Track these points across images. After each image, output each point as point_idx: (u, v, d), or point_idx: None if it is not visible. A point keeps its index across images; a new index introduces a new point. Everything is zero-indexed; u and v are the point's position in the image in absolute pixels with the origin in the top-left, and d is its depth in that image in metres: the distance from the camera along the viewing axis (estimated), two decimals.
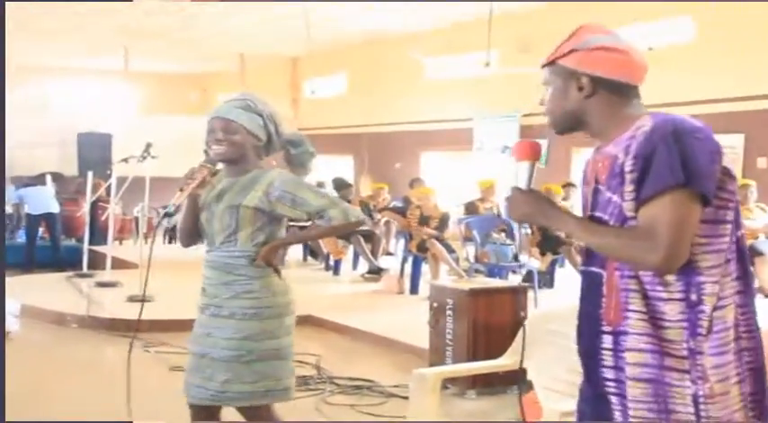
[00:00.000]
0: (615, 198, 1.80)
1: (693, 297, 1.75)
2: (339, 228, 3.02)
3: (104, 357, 6.51)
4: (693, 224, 1.72)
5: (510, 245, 8.72)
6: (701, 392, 1.74)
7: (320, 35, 14.74)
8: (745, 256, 1.83)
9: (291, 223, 3.91)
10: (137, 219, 11.05)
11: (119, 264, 9.97)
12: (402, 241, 10.36)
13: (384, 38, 15.19)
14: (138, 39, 15.92)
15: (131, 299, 7.90)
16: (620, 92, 1.88)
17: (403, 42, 14.73)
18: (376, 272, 9.83)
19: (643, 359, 1.78)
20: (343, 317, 7.29)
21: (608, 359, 1.85)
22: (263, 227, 2.97)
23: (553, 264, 9.07)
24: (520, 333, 3.96)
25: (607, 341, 1.85)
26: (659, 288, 1.77)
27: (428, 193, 9.32)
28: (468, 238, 9.14)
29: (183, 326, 7.03)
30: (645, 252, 1.70)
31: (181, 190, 2.92)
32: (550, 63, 1.95)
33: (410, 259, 9.15)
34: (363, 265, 10.28)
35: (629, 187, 1.76)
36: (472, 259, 8.72)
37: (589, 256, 1.91)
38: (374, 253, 10.17)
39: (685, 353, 1.75)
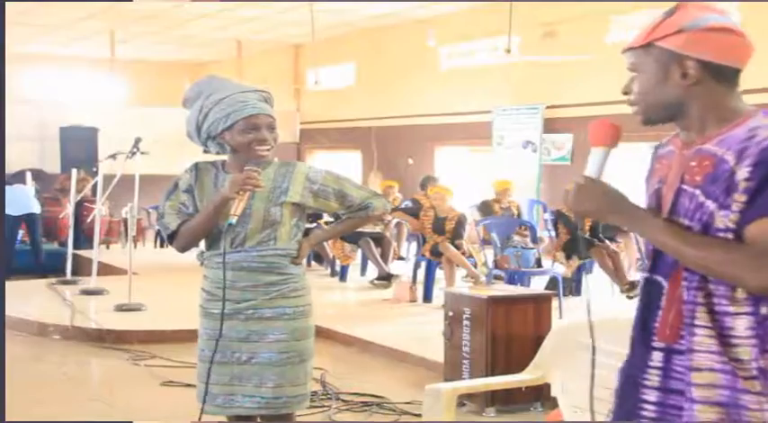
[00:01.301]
0: (709, 204, 1.73)
1: (764, 311, 1.73)
2: (377, 217, 3.27)
3: (90, 372, 6.55)
4: None
5: (532, 249, 8.72)
6: None
7: (325, 20, 14.77)
8: None
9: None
10: (125, 220, 11.10)
11: (105, 269, 10.02)
12: (414, 245, 10.37)
13: (395, 23, 15.21)
14: (125, 23, 15.99)
15: (119, 308, 7.94)
16: (727, 80, 1.79)
17: (416, 28, 14.75)
18: (386, 278, 9.83)
19: (716, 380, 1.74)
20: (350, 327, 7.31)
21: (653, 379, 1.83)
22: (299, 223, 3.10)
23: (580, 269, 9.05)
24: (543, 345, 3.97)
25: (656, 358, 1.83)
26: (725, 302, 1.74)
27: (444, 193, 9.32)
28: (486, 242, 9.14)
29: (176, 337, 7.14)
30: (753, 271, 1.66)
31: (240, 196, 2.91)
32: (645, 45, 1.82)
33: (423, 264, 9.16)
34: (372, 271, 10.29)
35: (740, 197, 1.68)
36: (491, 264, 8.72)
37: (656, 262, 1.86)
38: (384, 257, 10.17)
39: (755, 373, 1.73)
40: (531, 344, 4.66)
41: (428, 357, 6.10)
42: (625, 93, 1.87)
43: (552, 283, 8.34)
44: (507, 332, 5.04)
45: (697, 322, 1.76)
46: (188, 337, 7.25)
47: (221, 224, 2.99)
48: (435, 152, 15.10)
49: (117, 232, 13.95)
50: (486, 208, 10.60)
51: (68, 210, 10.87)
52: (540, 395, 4.87)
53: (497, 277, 8.67)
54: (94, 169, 11.83)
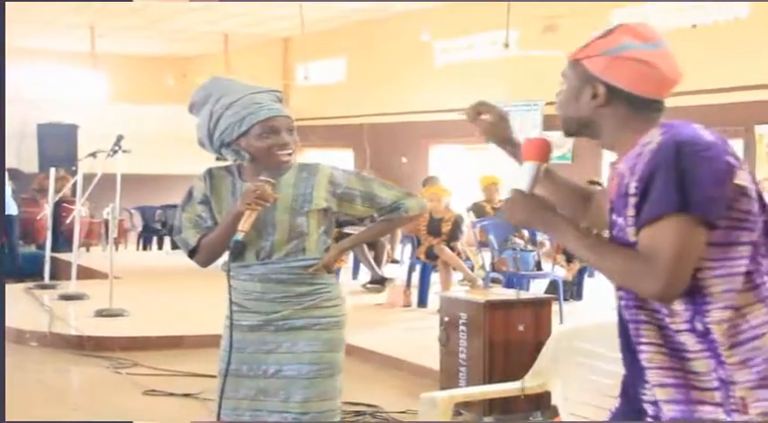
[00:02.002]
0: (620, 221, 1.87)
1: (699, 327, 1.81)
2: (412, 219, 3.18)
3: (69, 380, 6.53)
4: (696, 250, 1.77)
5: (531, 251, 8.73)
6: None
7: (315, 13, 14.77)
8: None
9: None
10: (106, 222, 11.06)
11: (85, 273, 10.00)
12: (409, 247, 10.37)
13: (388, 16, 15.21)
14: (106, 16, 15.96)
15: (100, 313, 7.93)
16: (637, 106, 1.92)
17: (409, 22, 14.75)
18: (379, 282, 9.84)
19: (671, 395, 1.84)
20: None
21: (648, 393, 1.91)
22: (327, 229, 3.05)
23: (581, 272, 9.07)
24: (543, 352, 3.97)
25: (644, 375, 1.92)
26: (668, 319, 1.84)
27: (440, 194, 9.32)
28: (483, 244, 9.15)
29: (160, 344, 7.14)
30: (643, 278, 1.77)
31: (250, 211, 2.83)
32: (574, 60, 1.98)
33: (418, 267, 9.17)
34: (365, 274, 10.29)
35: (630, 211, 1.83)
36: (488, 267, 8.73)
37: None
38: (377, 260, 10.18)
39: (716, 384, 1.80)
40: (531, 350, 4.67)
41: (423, 364, 6.10)
42: (558, 96, 2.04)
43: (552, 287, 8.35)
44: (505, 338, 5.04)
45: (643, 340, 1.86)
46: (172, 343, 7.29)
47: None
48: (430, 150, 15.10)
49: (97, 234, 13.93)
50: (478, 210, 10.62)
51: (46, 211, 10.84)
52: (540, 404, 4.86)
53: (495, 281, 8.69)
54: (74, 168, 11.80)
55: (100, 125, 13.83)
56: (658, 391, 1.86)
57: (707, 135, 1.82)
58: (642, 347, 1.87)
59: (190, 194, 3.07)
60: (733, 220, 1.80)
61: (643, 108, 1.92)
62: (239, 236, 2.84)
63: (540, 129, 12.65)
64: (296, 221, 2.96)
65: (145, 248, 14.36)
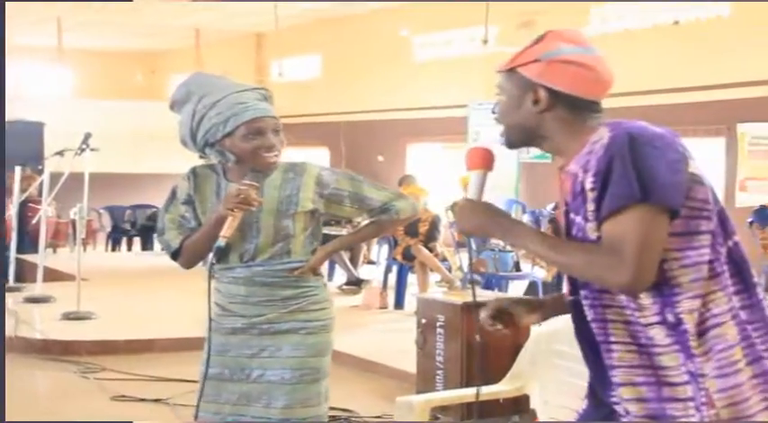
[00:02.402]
0: (579, 220, 1.90)
1: (670, 318, 1.84)
2: (403, 221, 3.17)
3: (35, 386, 6.48)
4: (660, 239, 1.81)
5: (510, 252, 8.77)
6: (706, 420, 1.82)
7: (290, 8, 14.74)
8: (742, 267, 1.90)
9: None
10: (74, 222, 10.98)
11: (52, 275, 9.92)
12: (385, 248, 10.38)
13: (365, 11, 15.21)
14: (74, 9, 15.85)
15: (67, 316, 7.88)
16: (578, 108, 1.97)
17: (387, 17, 14.77)
18: (355, 283, 9.85)
19: (641, 393, 1.87)
20: None
21: (616, 394, 1.94)
22: (314, 230, 3.03)
23: (561, 274, 9.11)
24: (521, 354, 3.99)
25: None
26: (636, 313, 1.87)
27: (417, 193, 9.34)
28: (461, 244, 9.17)
29: (128, 348, 7.10)
30: (610, 270, 1.80)
31: (233, 216, 2.81)
32: (509, 70, 2.03)
33: (395, 268, 9.18)
34: (341, 276, 10.29)
35: (590, 206, 1.85)
36: (466, 268, 8.75)
37: (574, 284, 1.99)
38: (353, 261, 10.18)
39: (686, 378, 1.84)
40: (509, 353, 4.68)
41: (399, 368, 6.11)
42: (494, 112, 2.09)
43: (532, 288, 8.39)
44: (484, 340, 5.05)
45: (612, 339, 1.90)
46: (142, 347, 7.25)
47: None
48: (408, 149, 15.12)
49: (65, 235, 13.81)
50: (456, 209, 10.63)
51: (12, 211, 10.76)
52: (519, 407, 4.88)
53: (473, 282, 8.71)
54: (40, 167, 11.68)
55: (67, 122, 13.73)
56: (628, 390, 1.88)
57: (656, 128, 1.88)
58: (612, 346, 1.89)
59: (173, 194, 3.04)
60: (691, 209, 1.84)
61: (584, 110, 1.97)
62: (221, 242, 2.82)
63: None
64: (281, 224, 2.94)
65: (114, 249, 14.27)
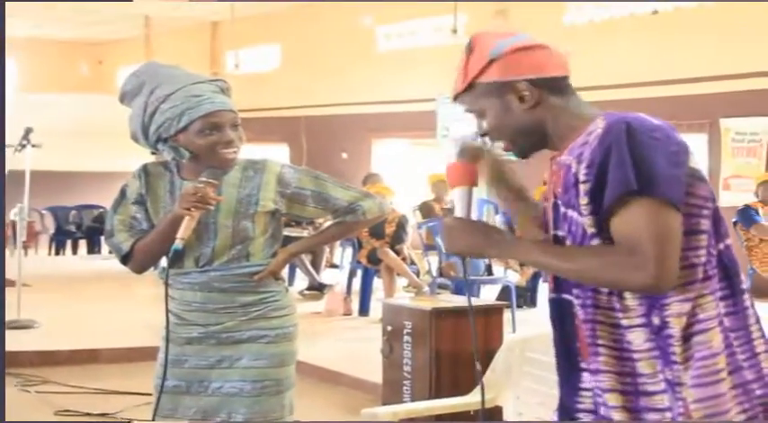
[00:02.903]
0: (571, 213, 1.90)
1: (656, 321, 1.84)
2: (370, 222, 3.15)
3: None
4: (677, 232, 1.79)
5: None
6: None
7: None
8: (731, 272, 1.90)
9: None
10: (14, 223, 10.87)
11: None
12: (349, 250, 10.37)
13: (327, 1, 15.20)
14: None
15: (7, 325, 7.78)
16: (560, 91, 1.98)
17: (349, 5, 14.76)
18: (317, 288, 9.84)
19: (619, 402, 1.87)
20: None
21: (585, 401, 1.94)
22: (275, 232, 3.01)
23: (535, 277, 9.17)
24: (494, 363, 4.00)
25: (586, 379, 1.94)
26: (620, 315, 1.87)
27: (382, 193, 9.34)
28: (430, 247, 9.19)
29: (73, 359, 7.03)
30: (632, 271, 1.77)
31: (190, 216, 2.78)
32: (468, 88, 2.02)
33: (359, 272, 9.17)
34: (302, 280, 10.27)
35: (583, 200, 1.84)
36: (435, 272, 8.77)
37: (558, 280, 1.99)
38: (315, 265, 10.17)
39: (663, 386, 1.84)
40: (481, 362, 4.69)
41: (364, 378, 6.11)
42: (483, 134, 2.08)
43: (504, 293, 8.42)
44: (453, 349, 5.06)
45: (599, 341, 1.89)
46: (86, 358, 7.19)
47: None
48: (373, 145, 15.13)
49: (4, 237, 13.68)
50: (426, 210, 10.66)
51: None
52: (492, 419, 4.90)
53: (442, 287, 8.72)
54: None
55: (6, 117, 13.60)
56: (614, 396, 1.87)
57: (653, 119, 1.87)
58: (599, 349, 1.89)
59: (123, 194, 3.00)
60: (692, 206, 1.84)
61: (567, 91, 1.98)
62: (179, 245, 2.79)
63: None
64: (240, 225, 2.91)
65: (57, 253, 14.15)
